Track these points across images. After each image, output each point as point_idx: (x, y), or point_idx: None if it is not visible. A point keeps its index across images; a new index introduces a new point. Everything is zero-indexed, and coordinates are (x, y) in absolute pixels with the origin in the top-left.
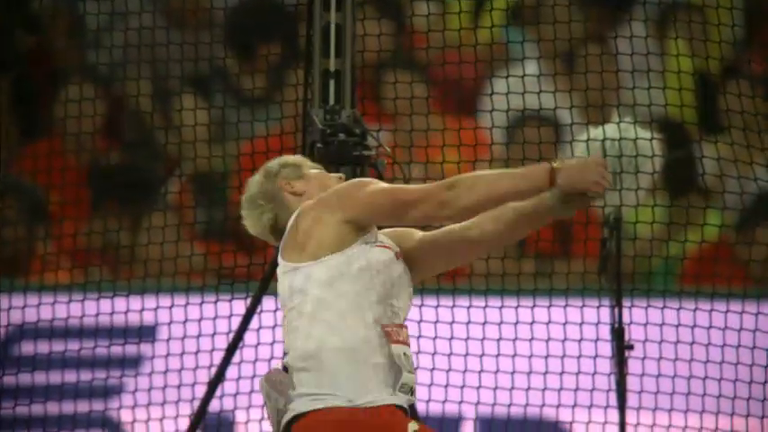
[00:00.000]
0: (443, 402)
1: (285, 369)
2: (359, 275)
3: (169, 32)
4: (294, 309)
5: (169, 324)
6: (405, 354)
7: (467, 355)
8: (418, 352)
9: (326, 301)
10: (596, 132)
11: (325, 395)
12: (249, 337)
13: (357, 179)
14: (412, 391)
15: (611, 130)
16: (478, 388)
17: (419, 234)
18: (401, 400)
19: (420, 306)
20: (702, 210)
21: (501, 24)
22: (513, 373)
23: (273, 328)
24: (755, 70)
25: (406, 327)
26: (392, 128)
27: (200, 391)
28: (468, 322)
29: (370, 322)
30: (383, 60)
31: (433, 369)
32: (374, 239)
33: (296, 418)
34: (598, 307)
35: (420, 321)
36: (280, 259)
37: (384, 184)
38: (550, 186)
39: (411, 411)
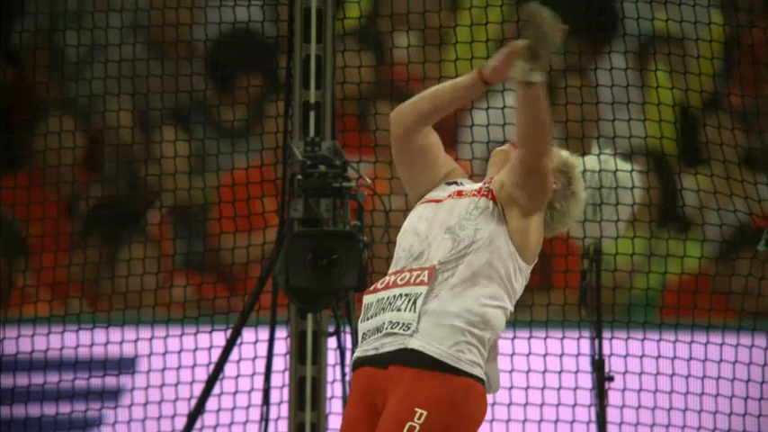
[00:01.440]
0: None
1: None
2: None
3: (149, 64)
4: None
5: (149, 356)
6: (377, 300)
7: None
8: None
9: None
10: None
11: None
12: (229, 369)
13: None
14: (365, 337)
15: (591, 161)
16: None
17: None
18: (359, 352)
19: None
20: (682, 241)
21: (482, 56)
22: (493, 404)
23: (254, 359)
24: (735, 103)
25: (404, 270)
26: (372, 159)
27: (181, 423)
28: None
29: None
30: (363, 92)
31: None
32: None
33: None
34: (578, 339)
35: None
36: None
37: None
38: (481, 80)
39: (383, 357)
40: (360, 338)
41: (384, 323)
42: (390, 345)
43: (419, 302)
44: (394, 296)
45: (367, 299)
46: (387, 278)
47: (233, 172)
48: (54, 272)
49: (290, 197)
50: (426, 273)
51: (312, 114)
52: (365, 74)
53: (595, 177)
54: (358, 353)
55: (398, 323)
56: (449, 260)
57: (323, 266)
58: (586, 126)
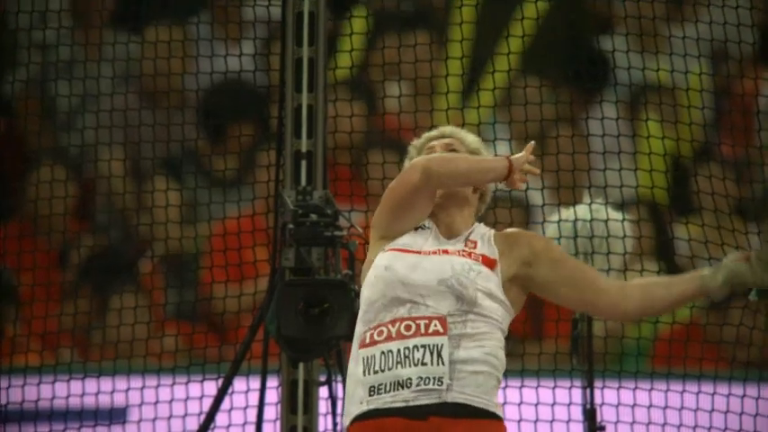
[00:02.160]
0: None
1: None
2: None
3: (141, 114)
4: None
5: (140, 405)
6: (380, 352)
7: None
8: None
9: None
10: (568, 213)
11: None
12: (221, 419)
13: None
14: (376, 390)
15: (582, 211)
16: None
17: (559, 255)
18: (376, 404)
19: None
20: None
21: (473, 106)
22: None
23: (245, 409)
24: (726, 152)
25: (404, 320)
26: (364, 209)
27: None
28: None
29: (359, 333)
30: (355, 142)
31: None
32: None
33: None
34: (570, 388)
35: None
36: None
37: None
38: (508, 171)
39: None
40: (364, 391)
41: (410, 379)
42: (425, 398)
43: (444, 354)
44: (407, 348)
45: (366, 351)
46: (382, 329)
47: (224, 221)
48: (45, 321)
49: (281, 246)
50: (437, 322)
51: (303, 163)
52: (357, 123)
53: (587, 227)
54: (374, 404)
55: (430, 378)
56: (456, 312)
57: (314, 315)
58: (578, 175)
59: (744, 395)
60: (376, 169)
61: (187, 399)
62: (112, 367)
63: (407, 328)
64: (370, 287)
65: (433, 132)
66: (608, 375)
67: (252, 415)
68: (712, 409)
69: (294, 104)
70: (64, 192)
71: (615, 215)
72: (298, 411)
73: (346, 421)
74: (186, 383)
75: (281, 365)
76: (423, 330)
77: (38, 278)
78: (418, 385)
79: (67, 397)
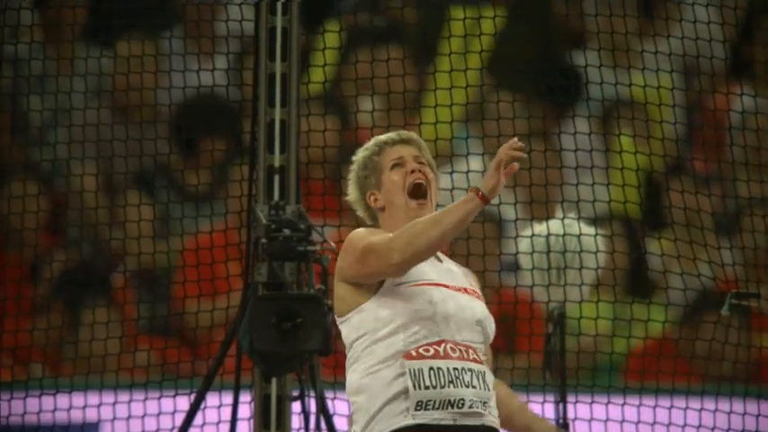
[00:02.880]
0: None
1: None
2: None
3: (114, 128)
4: None
5: (112, 421)
6: (431, 368)
7: None
8: None
9: None
10: (540, 228)
11: None
12: None
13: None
14: (430, 405)
15: (555, 225)
16: None
17: None
18: (422, 419)
19: None
20: (646, 305)
21: (446, 120)
22: None
23: (218, 424)
24: (698, 167)
25: (447, 342)
26: (337, 223)
27: None
28: None
29: (393, 342)
30: (328, 156)
31: None
32: None
33: None
34: (542, 402)
35: None
36: None
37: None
38: (483, 203)
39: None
40: (411, 404)
41: (462, 400)
42: (470, 419)
43: (489, 380)
44: (456, 369)
45: (413, 364)
46: (427, 347)
47: (197, 236)
48: (16, 336)
49: (254, 261)
50: (474, 352)
51: (276, 178)
52: (329, 138)
53: (559, 241)
54: (421, 419)
55: (479, 402)
56: (481, 347)
57: (287, 330)
58: (550, 190)
59: (716, 410)
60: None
61: (159, 414)
62: (84, 382)
63: (452, 350)
64: (411, 306)
65: (392, 135)
66: (581, 390)
67: (224, 430)
68: (685, 424)
69: (267, 119)
70: (36, 206)
71: (588, 230)
72: (271, 426)
73: (379, 428)
74: (159, 398)
75: (254, 380)
76: (466, 356)
77: (9, 293)
78: (471, 407)
79: (39, 412)
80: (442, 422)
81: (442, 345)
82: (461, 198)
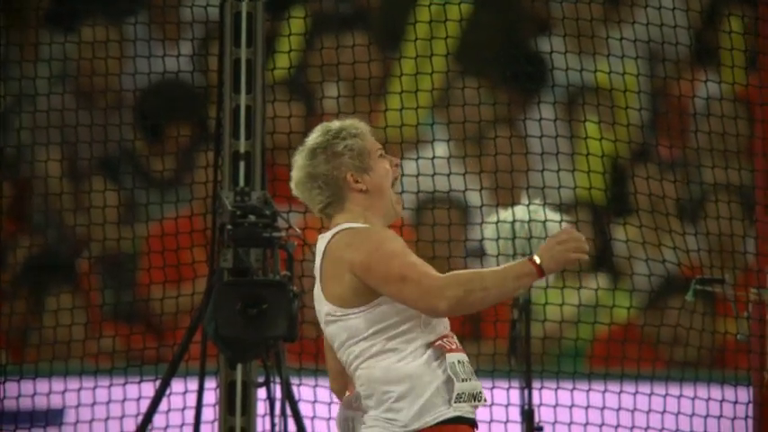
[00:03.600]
0: None
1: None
2: None
3: (78, 114)
4: None
5: (77, 407)
6: (459, 361)
7: None
8: None
9: None
10: (506, 214)
11: None
12: (158, 420)
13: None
14: (469, 398)
15: (520, 212)
16: None
17: None
18: (459, 411)
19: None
20: (612, 292)
21: (411, 107)
22: None
23: (183, 410)
24: (663, 153)
25: (450, 336)
26: (302, 209)
27: None
28: None
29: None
30: (294, 142)
31: None
32: None
33: None
34: (508, 389)
35: (331, 403)
36: None
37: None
38: (541, 276)
39: None
40: (452, 396)
41: (481, 393)
42: (476, 411)
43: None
44: (466, 362)
45: (452, 357)
46: (447, 339)
47: (162, 222)
48: None
49: (219, 247)
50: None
51: (242, 164)
52: (295, 124)
53: (525, 227)
54: (459, 411)
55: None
56: None
57: (253, 316)
58: (516, 176)
59: (680, 395)
60: None
61: (124, 400)
62: (49, 368)
63: (453, 342)
64: None
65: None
66: (546, 376)
67: (190, 416)
68: (649, 410)
69: (232, 105)
70: (0, 192)
71: (553, 216)
72: (236, 413)
73: (431, 417)
74: (123, 385)
75: (219, 367)
76: (460, 347)
77: None
78: (484, 400)
79: (3, 399)
80: (470, 415)
81: (450, 337)
82: (519, 263)
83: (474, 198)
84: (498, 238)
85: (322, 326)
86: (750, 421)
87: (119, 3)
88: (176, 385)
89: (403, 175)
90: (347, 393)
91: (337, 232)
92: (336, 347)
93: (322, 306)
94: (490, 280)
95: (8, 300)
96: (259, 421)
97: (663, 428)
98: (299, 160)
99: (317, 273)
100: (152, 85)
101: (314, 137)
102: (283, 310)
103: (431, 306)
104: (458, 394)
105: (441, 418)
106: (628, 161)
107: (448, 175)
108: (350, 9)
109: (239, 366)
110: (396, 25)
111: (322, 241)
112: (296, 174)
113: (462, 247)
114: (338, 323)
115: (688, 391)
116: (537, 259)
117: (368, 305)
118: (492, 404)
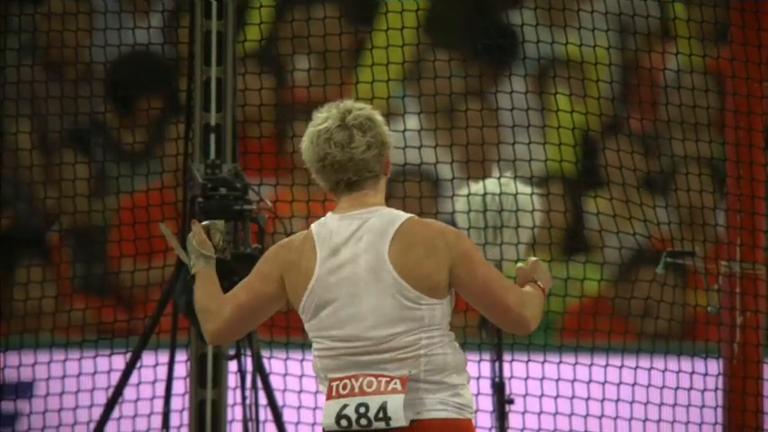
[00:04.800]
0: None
1: None
2: None
3: (48, 86)
4: None
5: (47, 380)
6: None
7: None
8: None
9: None
10: (477, 187)
11: None
12: (129, 393)
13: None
14: None
15: (491, 185)
16: None
17: None
18: None
19: (295, 360)
20: (582, 264)
21: (382, 79)
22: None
23: (154, 383)
24: (634, 126)
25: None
26: (274, 182)
27: None
28: None
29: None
30: (264, 115)
31: (299, 423)
32: None
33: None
34: (479, 361)
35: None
36: None
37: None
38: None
39: None
40: None
41: None
42: None
43: None
44: None
45: None
46: None
47: (133, 194)
48: None
49: (190, 220)
50: None
51: (213, 137)
52: (266, 96)
53: (496, 200)
54: None
55: None
56: None
57: (224, 289)
58: (487, 149)
59: (651, 368)
60: (287, 142)
61: (95, 373)
62: (19, 341)
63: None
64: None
65: None
66: (516, 349)
67: (160, 389)
68: (620, 382)
69: (203, 78)
70: None
71: (524, 189)
72: (207, 385)
73: (472, 408)
74: (94, 358)
75: (190, 339)
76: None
77: None
78: None
79: None
80: None
81: None
82: (535, 290)
83: (445, 171)
84: (470, 210)
85: (341, 299)
86: (719, 393)
87: None
88: (147, 358)
89: None
90: (353, 380)
91: (410, 218)
92: (393, 326)
93: (390, 288)
94: (540, 301)
95: None
96: (230, 394)
97: (633, 400)
98: (366, 122)
99: (368, 250)
100: (122, 57)
101: (372, 109)
102: None
103: (525, 321)
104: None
105: (473, 411)
106: (599, 134)
107: (419, 148)
108: None
109: None
110: None
111: (378, 228)
112: (363, 137)
113: (434, 219)
114: (417, 311)
115: (658, 363)
116: (541, 284)
117: (446, 298)
118: None
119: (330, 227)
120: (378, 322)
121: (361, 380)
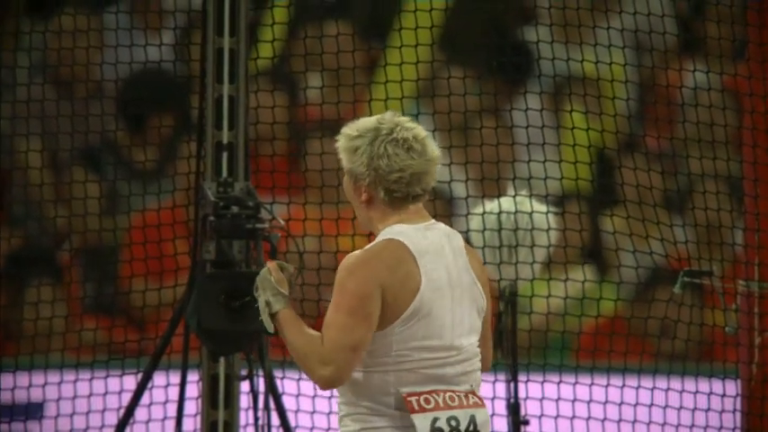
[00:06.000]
0: None
1: None
2: None
3: (59, 104)
4: None
5: (58, 401)
6: None
7: None
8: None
9: None
10: (492, 206)
11: None
12: (140, 414)
13: None
14: None
15: (506, 203)
16: None
17: None
18: None
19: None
20: (599, 284)
21: (396, 97)
22: None
23: (165, 403)
24: (650, 144)
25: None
26: (286, 201)
27: None
28: None
29: None
30: (277, 133)
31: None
32: None
33: None
34: (494, 382)
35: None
36: None
37: None
38: None
39: None
40: None
41: None
42: None
43: None
44: None
45: None
46: None
47: (144, 213)
48: None
49: (202, 239)
50: None
51: (225, 155)
52: (278, 114)
53: (511, 219)
54: None
55: None
56: None
57: (236, 309)
58: (502, 167)
59: (668, 388)
60: (299, 161)
61: (106, 394)
62: (29, 362)
63: None
64: None
65: None
66: (532, 369)
67: (172, 410)
68: (636, 403)
69: (215, 95)
70: None
71: (540, 207)
72: (219, 406)
73: None
74: (105, 378)
75: (202, 360)
76: None
77: None
78: None
79: None
80: None
81: None
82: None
83: (459, 189)
84: (484, 229)
85: (444, 303)
86: (738, 414)
87: None
88: (158, 378)
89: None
90: (434, 395)
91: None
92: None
93: (478, 300)
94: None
95: None
96: (242, 415)
97: (650, 421)
98: (428, 142)
99: (456, 260)
100: (134, 75)
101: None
102: None
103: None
104: None
105: None
106: (615, 152)
107: None
108: None
109: (222, 359)
110: (380, 14)
111: (452, 237)
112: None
113: None
114: (479, 322)
115: (675, 384)
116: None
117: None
118: None
119: (415, 237)
120: (466, 331)
121: (442, 395)
